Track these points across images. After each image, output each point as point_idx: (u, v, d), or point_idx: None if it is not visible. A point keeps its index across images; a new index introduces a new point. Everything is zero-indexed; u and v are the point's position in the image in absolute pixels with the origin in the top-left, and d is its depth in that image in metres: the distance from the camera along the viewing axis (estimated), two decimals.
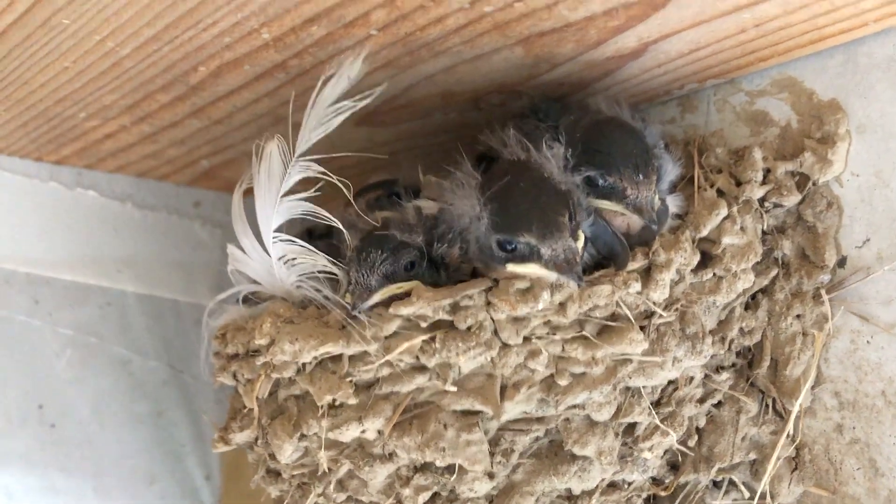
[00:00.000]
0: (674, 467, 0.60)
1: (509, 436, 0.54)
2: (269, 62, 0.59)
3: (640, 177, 0.55)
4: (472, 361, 0.53)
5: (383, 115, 0.70)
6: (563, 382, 0.54)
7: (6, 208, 0.74)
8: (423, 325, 0.53)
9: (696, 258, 0.57)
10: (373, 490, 0.56)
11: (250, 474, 0.80)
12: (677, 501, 0.60)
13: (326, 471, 0.55)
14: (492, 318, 0.53)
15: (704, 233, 0.58)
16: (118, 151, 0.75)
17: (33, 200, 0.76)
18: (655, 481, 0.60)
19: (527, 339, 0.53)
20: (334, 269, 0.56)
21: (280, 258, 0.56)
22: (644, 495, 0.59)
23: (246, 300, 0.61)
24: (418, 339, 0.52)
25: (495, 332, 0.53)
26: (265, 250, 0.57)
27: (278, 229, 0.55)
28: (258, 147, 0.57)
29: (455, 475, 0.54)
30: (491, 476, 0.54)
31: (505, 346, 0.53)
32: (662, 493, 0.60)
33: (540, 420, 0.55)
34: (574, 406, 0.54)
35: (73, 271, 0.78)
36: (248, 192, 0.60)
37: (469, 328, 0.53)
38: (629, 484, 0.58)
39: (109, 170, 0.80)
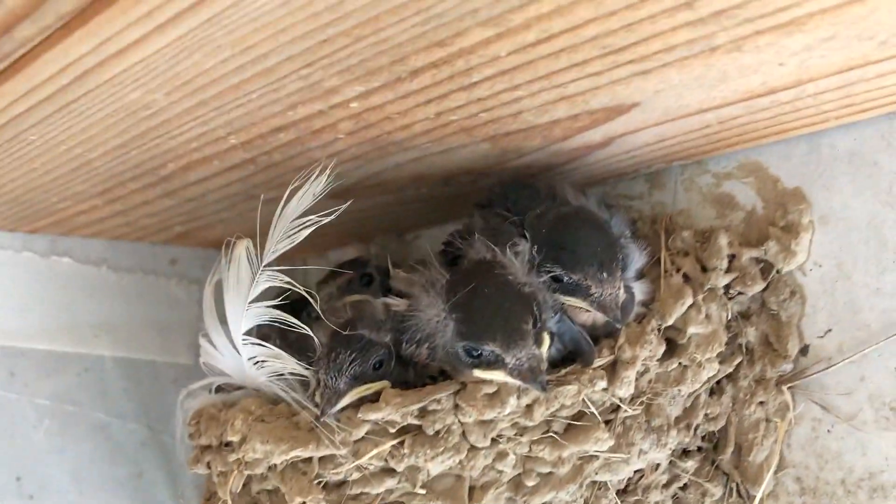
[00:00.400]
0: None
1: None
2: (238, 159, 0.59)
3: (605, 275, 0.56)
4: (441, 465, 0.54)
5: (356, 191, 0.70)
6: (530, 483, 0.55)
7: None
8: (392, 430, 0.54)
9: (662, 348, 0.58)
10: None
11: None
12: None
13: None
14: (460, 422, 0.54)
15: (670, 321, 0.59)
16: (92, 222, 0.75)
17: (7, 272, 0.76)
18: None
19: (494, 441, 0.54)
20: (304, 372, 0.56)
21: (250, 359, 0.57)
22: None
23: (219, 388, 0.62)
24: (387, 445, 0.53)
25: (463, 435, 0.54)
26: (236, 349, 0.57)
27: (248, 332, 0.56)
28: (228, 244, 0.58)
29: None
30: None
31: (473, 448, 0.54)
32: None
33: None
34: None
35: (49, 340, 0.78)
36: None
37: (437, 432, 0.54)
38: None
39: (84, 235, 0.80)
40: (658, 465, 0.60)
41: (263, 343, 0.56)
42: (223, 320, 0.59)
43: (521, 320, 0.52)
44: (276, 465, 0.56)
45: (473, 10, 0.39)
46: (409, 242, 0.84)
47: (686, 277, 0.62)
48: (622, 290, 0.57)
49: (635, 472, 0.59)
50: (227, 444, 0.59)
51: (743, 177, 0.64)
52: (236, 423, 0.57)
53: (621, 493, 0.59)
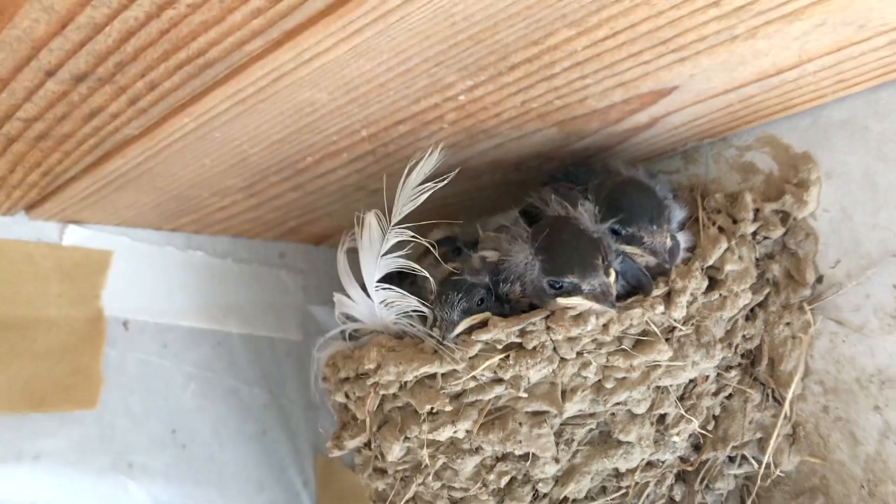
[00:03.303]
0: (696, 448, 0.76)
1: (569, 429, 0.70)
2: (362, 150, 0.75)
3: (654, 227, 0.71)
4: (539, 373, 0.69)
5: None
6: (608, 385, 0.69)
7: (136, 271, 0.90)
8: (499, 346, 0.69)
9: (705, 283, 0.73)
10: (462, 478, 0.72)
11: (339, 480, 0.97)
12: (701, 474, 0.76)
13: (427, 464, 0.71)
14: (551, 339, 0.69)
15: (710, 262, 0.74)
16: (225, 219, 0.91)
17: (155, 262, 0.92)
18: (683, 460, 0.75)
19: (579, 354, 0.69)
20: (423, 309, 0.72)
21: (381, 302, 0.72)
22: (675, 471, 0.75)
23: (350, 337, 0.78)
24: (496, 358, 0.68)
25: (555, 350, 0.69)
26: (368, 296, 0.73)
27: (380, 280, 0.72)
28: (358, 217, 0.73)
29: (529, 461, 0.70)
30: (557, 460, 0.70)
31: (563, 360, 0.69)
32: (689, 469, 0.76)
33: (592, 415, 0.70)
34: (618, 403, 0.70)
35: (190, 319, 0.94)
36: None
37: (534, 347, 0.68)
38: (662, 462, 0.74)
39: (212, 233, 0.96)
40: (707, 376, 0.74)
41: (392, 287, 0.71)
42: (356, 277, 0.74)
43: (593, 257, 0.68)
44: (406, 384, 0.71)
45: (563, 14, 0.55)
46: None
47: (721, 229, 0.77)
48: (669, 240, 0.72)
49: (690, 381, 0.73)
50: (363, 374, 0.74)
51: (761, 147, 0.79)
52: (372, 354, 0.72)
53: (679, 399, 0.73)
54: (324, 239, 1.04)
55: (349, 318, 0.76)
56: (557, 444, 0.69)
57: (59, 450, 0.80)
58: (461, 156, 0.79)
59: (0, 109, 0.59)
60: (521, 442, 0.68)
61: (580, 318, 0.68)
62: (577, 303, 0.68)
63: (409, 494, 0.75)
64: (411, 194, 0.69)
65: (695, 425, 0.73)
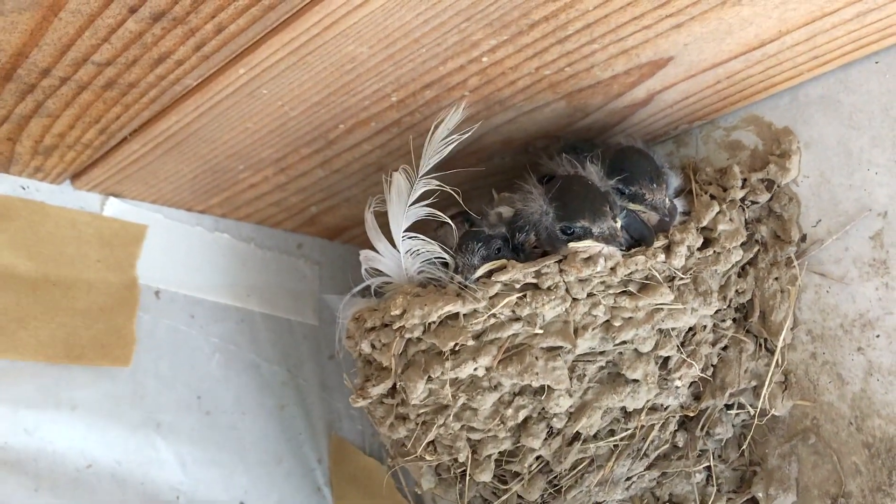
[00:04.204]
0: (696, 397, 0.82)
1: (581, 364, 0.76)
2: (389, 120, 0.82)
3: (654, 185, 0.79)
4: (553, 311, 0.75)
5: (457, 160, 0.92)
6: (616, 324, 0.76)
7: (168, 246, 0.96)
8: (516, 286, 0.75)
9: (700, 240, 0.80)
10: (481, 417, 0.77)
11: (351, 460, 1.01)
12: (701, 421, 0.81)
13: (451, 400, 0.76)
14: (564, 280, 0.75)
15: (704, 223, 0.81)
16: (252, 200, 0.98)
17: (185, 241, 0.98)
18: (684, 407, 0.81)
19: (590, 295, 0.75)
20: (446, 257, 0.78)
21: (407, 251, 0.79)
22: (677, 417, 0.81)
23: (375, 293, 0.83)
24: (514, 297, 0.75)
25: (567, 290, 0.75)
26: (395, 248, 0.79)
27: (406, 230, 0.78)
28: (385, 179, 0.80)
29: (545, 395, 0.75)
30: (570, 394, 0.75)
31: (575, 299, 0.75)
32: (690, 416, 0.81)
33: (602, 353, 0.76)
34: (625, 342, 0.76)
35: (216, 294, 0.99)
36: None
37: (549, 287, 0.75)
38: (666, 407, 0.80)
39: (238, 218, 1.03)
40: (705, 325, 0.81)
41: (417, 235, 0.78)
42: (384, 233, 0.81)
43: (602, 203, 0.76)
44: (430, 326, 0.77)
45: None
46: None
47: (712, 196, 0.85)
48: (667, 199, 0.80)
49: (689, 330, 0.80)
50: (389, 322, 0.80)
51: (745, 126, 0.88)
52: (398, 300, 0.78)
53: (680, 345, 0.79)
54: (339, 233, 1.10)
55: (375, 272, 0.82)
56: (570, 378, 0.75)
57: (95, 401, 0.84)
58: (477, 132, 0.87)
59: (80, 51, 0.67)
60: (537, 374, 0.74)
61: (590, 260, 0.75)
62: (588, 245, 0.75)
63: (430, 437, 0.79)
64: (438, 147, 0.76)
65: (696, 370, 0.79)
